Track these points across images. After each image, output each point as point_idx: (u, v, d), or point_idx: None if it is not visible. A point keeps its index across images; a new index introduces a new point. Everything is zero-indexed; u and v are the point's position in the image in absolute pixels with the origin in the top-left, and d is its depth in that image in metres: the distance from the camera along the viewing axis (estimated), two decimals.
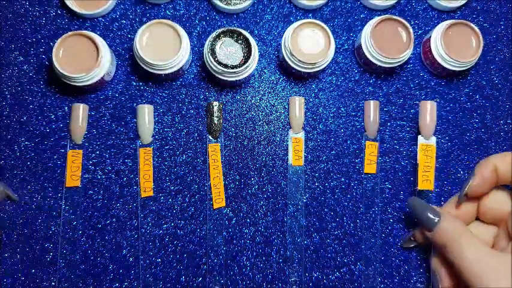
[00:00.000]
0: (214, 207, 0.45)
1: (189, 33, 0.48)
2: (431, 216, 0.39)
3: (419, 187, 0.44)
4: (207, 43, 0.44)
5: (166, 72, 0.44)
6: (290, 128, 0.47)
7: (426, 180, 0.44)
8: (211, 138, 0.46)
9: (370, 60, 0.45)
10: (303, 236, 0.45)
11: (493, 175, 0.39)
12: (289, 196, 0.46)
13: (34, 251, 0.44)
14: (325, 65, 0.45)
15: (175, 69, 0.44)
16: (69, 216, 0.44)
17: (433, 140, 0.45)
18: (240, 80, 0.45)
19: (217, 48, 0.44)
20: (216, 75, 0.44)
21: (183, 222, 0.45)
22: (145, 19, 0.48)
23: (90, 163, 0.46)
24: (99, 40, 0.44)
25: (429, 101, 0.45)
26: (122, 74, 0.47)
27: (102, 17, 0.48)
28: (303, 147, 0.46)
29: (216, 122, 0.46)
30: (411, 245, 0.45)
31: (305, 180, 0.46)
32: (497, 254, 0.35)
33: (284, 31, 0.46)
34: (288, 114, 0.47)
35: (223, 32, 0.44)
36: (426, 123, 0.45)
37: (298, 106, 0.46)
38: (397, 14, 0.49)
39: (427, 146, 0.44)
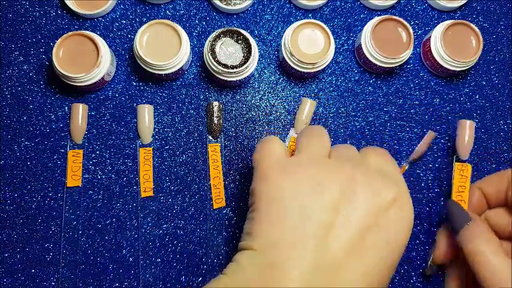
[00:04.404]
0: (214, 207, 0.45)
1: (189, 33, 0.48)
2: (463, 216, 0.39)
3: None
4: (207, 43, 0.44)
5: (166, 72, 0.44)
6: (290, 127, 0.47)
7: (460, 201, 0.43)
8: (211, 138, 0.46)
9: (370, 60, 0.45)
10: None
11: (481, 199, 0.42)
12: None
13: (34, 251, 0.44)
14: (325, 65, 0.45)
15: (175, 69, 0.44)
16: (69, 216, 0.44)
17: (468, 160, 0.44)
18: (240, 80, 0.45)
19: (217, 48, 0.44)
20: (216, 75, 0.44)
21: (183, 222, 0.45)
22: (145, 19, 0.48)
23: (90, 163, 0.46)
24: (99, 40, 0.44)
25: (468, 121, 0.45)
26: (121, 74, 0.47)
27: (102, 17, 0.48)
28: None
29: (216, 122, 0.46)
30: (434, 271, 0.44)
31: None
32: None
33: (284, 31, 0.46)
34: (296, 112, 0.47)
35: (223, 32, 0.44)
36: (464, 143, 0.44)
37: (307, 109, 0.46)
38: (397, 14, 0.49)
39: (462, 166, 0.43)
